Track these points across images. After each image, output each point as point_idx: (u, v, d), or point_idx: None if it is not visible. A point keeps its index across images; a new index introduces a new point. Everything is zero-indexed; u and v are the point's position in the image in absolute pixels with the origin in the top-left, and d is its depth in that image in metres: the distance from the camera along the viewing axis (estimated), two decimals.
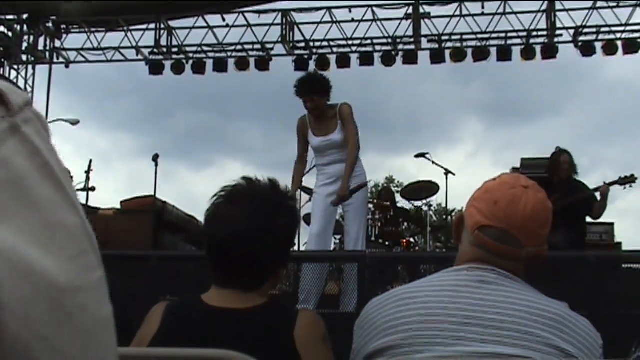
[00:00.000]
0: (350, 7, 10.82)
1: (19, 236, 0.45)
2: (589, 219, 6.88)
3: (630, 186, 6.63)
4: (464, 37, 10.76)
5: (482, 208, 1.68)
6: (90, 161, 9.82)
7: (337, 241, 8.02)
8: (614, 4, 10.41)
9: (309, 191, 6.40)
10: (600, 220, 7.13)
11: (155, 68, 11.30)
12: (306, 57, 11.05)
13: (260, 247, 1.78)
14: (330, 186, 5.69)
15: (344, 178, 5.60)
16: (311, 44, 11.13)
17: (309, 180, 6.27)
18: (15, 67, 11.62)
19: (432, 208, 9.24)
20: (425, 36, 10.80)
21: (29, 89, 11.38)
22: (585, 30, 10.48)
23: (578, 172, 6.77)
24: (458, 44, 10.77)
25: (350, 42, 10.99)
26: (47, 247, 0.47)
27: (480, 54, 10.63)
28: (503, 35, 10.67)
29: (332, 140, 5.68)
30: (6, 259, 0.44)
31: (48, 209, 0.49)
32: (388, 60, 10.78)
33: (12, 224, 0.45)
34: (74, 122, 16.11)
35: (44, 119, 0.52)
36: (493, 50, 10.63)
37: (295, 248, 7.19)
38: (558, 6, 10.53)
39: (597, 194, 6.61)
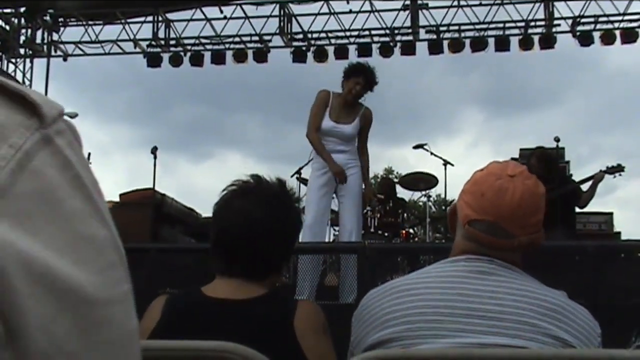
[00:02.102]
0: None
1: (48, 249, 0.45)
2: (586, 209, 6.94)
3: (620, 174, 6.72)
4: (462, 27, 10.72)
5: (471, 201, 1.66)
6: (89, 154, 9.83)
7: (337, 233, 8.00)
8: None
9: (305, 182, 6.38)
10: (600, 209, 7.16)
11: (153, 60, 11.27)
12: (304, 48, 11.02)
13: (269, 238, 1.85)
14: (324, 176, 5.67)
15: (366, 184, 5.91)
16: (309, 35, 11.10)
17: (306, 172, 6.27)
18: (13, 60, 11.58)
19: (431, 199, 9.25)
20: (423, 27, 10.77)
21: (27, 83, 11.34)
22: (583, 20, 10.45)
23: (554, 167, 6.82)
24: (456, 35, 10.74)
25: (348, 34, 10.96)
26: (75, 260, 0.46)
27: (479, 45, 10.60)
28: (501, 25, 10.63)
29: (343, 131, 5.65)
30: (33, 272, 0.43)
31: (78, 222, 0.48)
32: (386, 51, 10.74)
33: (41, 236, 0.45)
34: (73, 115, 16.07)
35: (77, 130, 0.52)
36: (491, 41, 10.59)
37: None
38: None
39: (588, 183, 6.74)
